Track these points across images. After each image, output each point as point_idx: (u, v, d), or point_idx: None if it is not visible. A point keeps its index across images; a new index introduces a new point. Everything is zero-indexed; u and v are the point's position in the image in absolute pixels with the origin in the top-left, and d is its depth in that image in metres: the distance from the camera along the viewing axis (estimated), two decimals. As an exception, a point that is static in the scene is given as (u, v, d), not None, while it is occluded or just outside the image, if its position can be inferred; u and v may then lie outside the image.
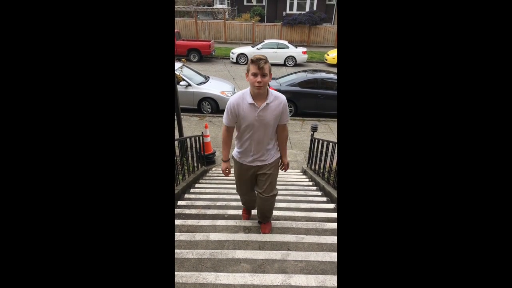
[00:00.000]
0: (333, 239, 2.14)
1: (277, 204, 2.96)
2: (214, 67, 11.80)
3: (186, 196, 3.26)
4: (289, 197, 3.33)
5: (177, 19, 15.48)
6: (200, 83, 7.27)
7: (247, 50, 12.40)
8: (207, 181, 4.07)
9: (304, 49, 12.52)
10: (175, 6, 15.43)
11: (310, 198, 3.34)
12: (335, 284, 1.61)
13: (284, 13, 17.94)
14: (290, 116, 8.46)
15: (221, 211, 2.71)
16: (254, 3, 18.93)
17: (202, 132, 4.43)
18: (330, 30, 15.93)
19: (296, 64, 12.41)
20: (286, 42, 12.61)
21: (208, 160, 4.74)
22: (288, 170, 4.96)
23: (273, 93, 1.84)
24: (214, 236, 2.14)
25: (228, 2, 19.13)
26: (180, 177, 3.44)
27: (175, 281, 1.59)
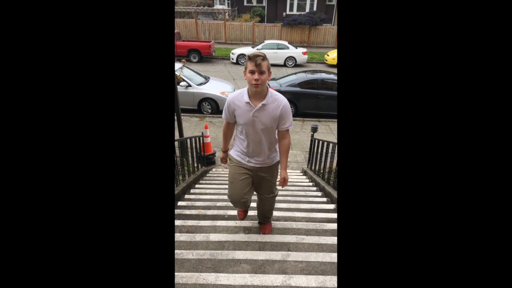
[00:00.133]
0: (333, 240, 2.14)
1: (277, 205, 2.96)
2: (214, 67, 11.81)
3: (186, 196, 3.26)
4: (289, 198, 3.33)
5: (177, 20, 15.50)
6: (200, 84, 7.27)
7: (247, 50, 12.41)
8: (207, 182, 4.06)
9: (304, 50, 12.52)
10: (175, 7, 15.45)
11: (310, 199, 3.34)
12: (335, 285, 1.61)
13: (284, 13, 17.95)
14: (290, 117, 8.11)
15: (221, 212, 2.71)
16: (254, 3, 18.95)
17: (202, 133, 4.43)
18: (330, 30, 15.94)
19: (296, 65, 12.41)
20: (286, 43, 12.62)
21: (208, 161, 4.74)
22: (288, 171, 4.97)
23: (273, 94, 1.72)
24: (214, 237, 2.14)
25: (228, 3, 19.15)
26: (180, 177, 3.44)
27: (175, 282, 1.59)
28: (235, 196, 1.91)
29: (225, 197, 3.27)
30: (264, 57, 1.60)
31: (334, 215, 2.69)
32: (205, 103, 7.16)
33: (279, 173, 1.95)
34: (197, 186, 3.78)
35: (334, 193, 3.15)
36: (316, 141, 4.14)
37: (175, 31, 12.32)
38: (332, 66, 12.23)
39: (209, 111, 7.21)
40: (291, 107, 7.14)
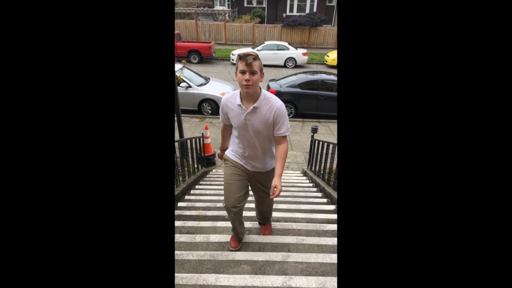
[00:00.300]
0: (334, 241, 2.14)
1: (277, 206, 2.96)
2: (214, 68, 11.82)
3: (186, 197, 3.26)
4: (289, 199, 3.32)
5: (177, 21, 15.52)
6: (201, 85, 7.28)
7: (248, 51, 12.42)
8: (207, 183, 4.06)
9: (304, 51, 12.54)
10: (176, 8, 15.48)
11: (311, 200, 3.34)
12: (336, 286, 1.60)
13: (284, 14, 17.97)
14: (290, 118, 8.27)
15: (221, 213, 2.70)
16: (255, 4, 18.98)
17: (203, 134, 4.43)
18: (330, 31, 15.96)
19: (296, 66, 12.43)
20: (286, 44, 12.64)
21: (208, 162, 4.74)
22: (288, 172, 4.98)
23: (266, 95, 1.59)
24: (214, 238, 2.13)
25: (228, 4, 19.17)
26: (180, 178, 3.44)
27: (175, 283, 1.59)
28: (230, 199, 1.76)
29: (225, 198, 3.27)
30: (255, 57, 1.49)
31: (334, 216, 2.69)
32: (205, 104, 7.16)
33: None
34: (197, 187, 3.77)
35: (334, 194, 3.15)
36: (316, 142, 4.14)
37: (176, 32, 12.34)
38: (332, 67, 12.25)
39: (209, 112, 7.21)
40: (291, 108, 7.21)
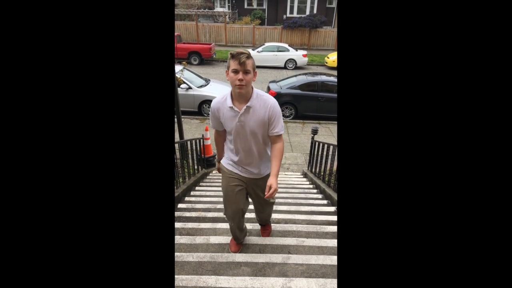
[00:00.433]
0: (334, 242, 2.13)
1: (278, 207, 2.96)
2: (214, 70, 11.84)
3: (187, 199, 3.26)
4: (289, 200, 3.32)
5: (178, 22, 15.56)
6: (201, 86, 7.29)
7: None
8: (208, 184, 4.06)
9: (305, 52, 12.56)
10: (176, 10, 15.53)
11: (311, 201, 3.34)
12: (336, 288, 1.60)
13: (284, 16, 18.02)
14: (290, 119, 8.29)
15: (221, 214, 2.70)
16: (255, 6, 19.03)
17: (203, 135, 4.43)
18: (330, 33, 15.99)
19: (297, 67, 12.44)
20: (286, 45, 12.66)
21: (208, 163, 4.74)
22: (288, 173, 4.98)
23: (259, 94, 1.52)
24: (214, 239, 2.13)
25: (228, 6, 19.23)
26: (181, 179, 3.44)
27: (175, 285, 1.58)
28: (230, 211, 1.75)
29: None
30: (248, 55, 1.41)
31: (335, 218, 2.69)
32: (206, 106, 7.17)
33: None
34: (197, 188, 3.77)
35: (335, 196, 3.14)
36: (317, 143, 4.14)
37: (176, 33, 12.37)
38: (332, 68, 12.27)
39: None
40: (291, 109, 7.21)
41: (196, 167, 4.04)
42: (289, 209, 2.95)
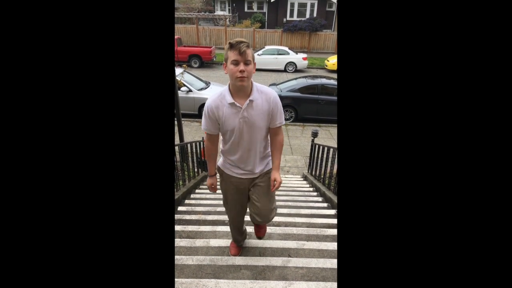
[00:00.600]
0: (334, 245, 2.13)
1: (277, 210, 2.94)
2: (215, 73, 11.87)
3: (186, 201, 3.25)
4: (289, 203, 3.31)
5: (178, 26, 15.63)
6: (201, 89, 7.31)
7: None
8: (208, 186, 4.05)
9: (305, 55, 12.58)
10: (177, 13, 15.60)
11: (311, 204, 3.33)
12: (336, 291, 1.59)
13: (284, 19, 18.10)
14: (290, 122, 8.28)
15: (221, 217, 2.69)
16: (255, 9, 19.11)
17: (203, 138, 4.43)
18: (330, 36, 16.04)
19: (297, 70, 12.47)
20: (286, 48, 12.69)
21: (208, 166, 4.73)
22: (288, 176, 4.97)
23: (258, 87, 1.44)
24: (214, 242, 2.12)
25: (229, 9, 19.31)
26: (181, 182, 3.44)
27: (175, 288, 1.58)
28: (235, 222, 1.77)
29: (226, 202, 3.26)
30: (248, 44, 1.30)
31: (335, 221, 2.68)
32: (206, 108, 7.17)
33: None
34: (197, 191, 3.77)
35: (335, 199, 3.14)
36: (317, 146, 4.14)
37: (176, 36, 12.42)
38: (332, 71, 12.29)
39: (210, 116, 7.21)
40: (291, 112, 7.22)
41: (196, 169, 4.03)
42: (289, 212, 2.94)
